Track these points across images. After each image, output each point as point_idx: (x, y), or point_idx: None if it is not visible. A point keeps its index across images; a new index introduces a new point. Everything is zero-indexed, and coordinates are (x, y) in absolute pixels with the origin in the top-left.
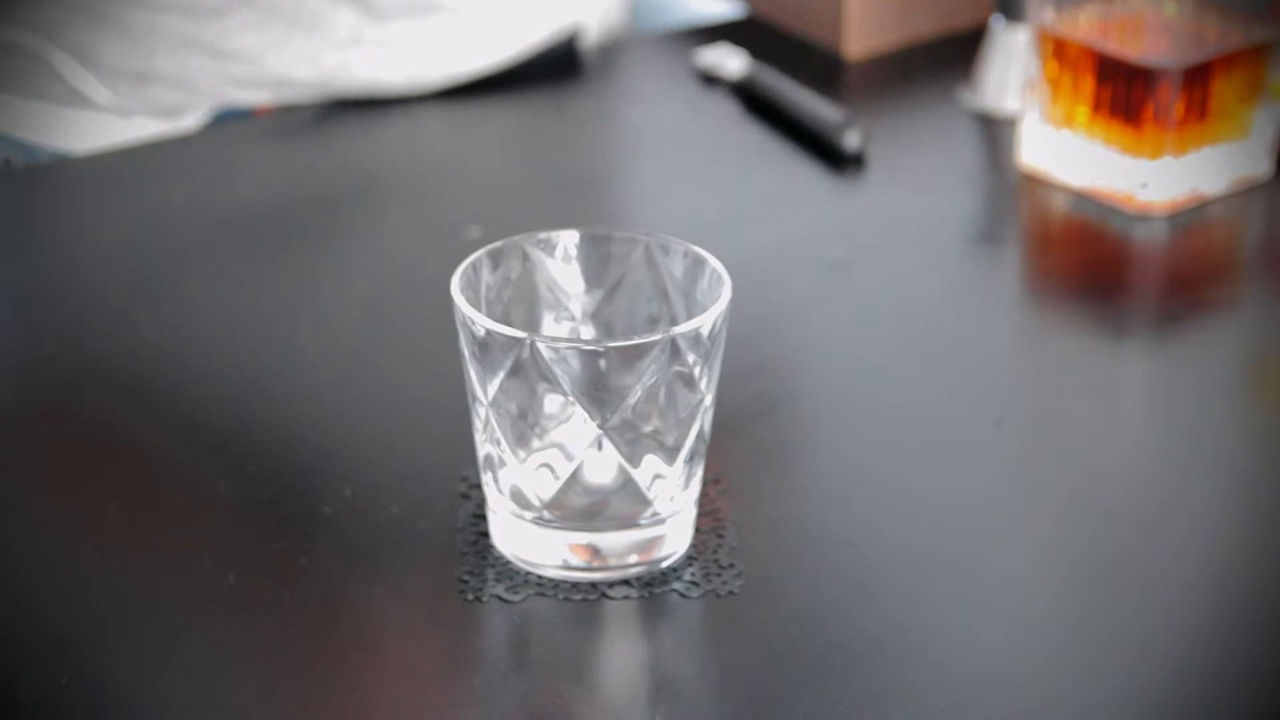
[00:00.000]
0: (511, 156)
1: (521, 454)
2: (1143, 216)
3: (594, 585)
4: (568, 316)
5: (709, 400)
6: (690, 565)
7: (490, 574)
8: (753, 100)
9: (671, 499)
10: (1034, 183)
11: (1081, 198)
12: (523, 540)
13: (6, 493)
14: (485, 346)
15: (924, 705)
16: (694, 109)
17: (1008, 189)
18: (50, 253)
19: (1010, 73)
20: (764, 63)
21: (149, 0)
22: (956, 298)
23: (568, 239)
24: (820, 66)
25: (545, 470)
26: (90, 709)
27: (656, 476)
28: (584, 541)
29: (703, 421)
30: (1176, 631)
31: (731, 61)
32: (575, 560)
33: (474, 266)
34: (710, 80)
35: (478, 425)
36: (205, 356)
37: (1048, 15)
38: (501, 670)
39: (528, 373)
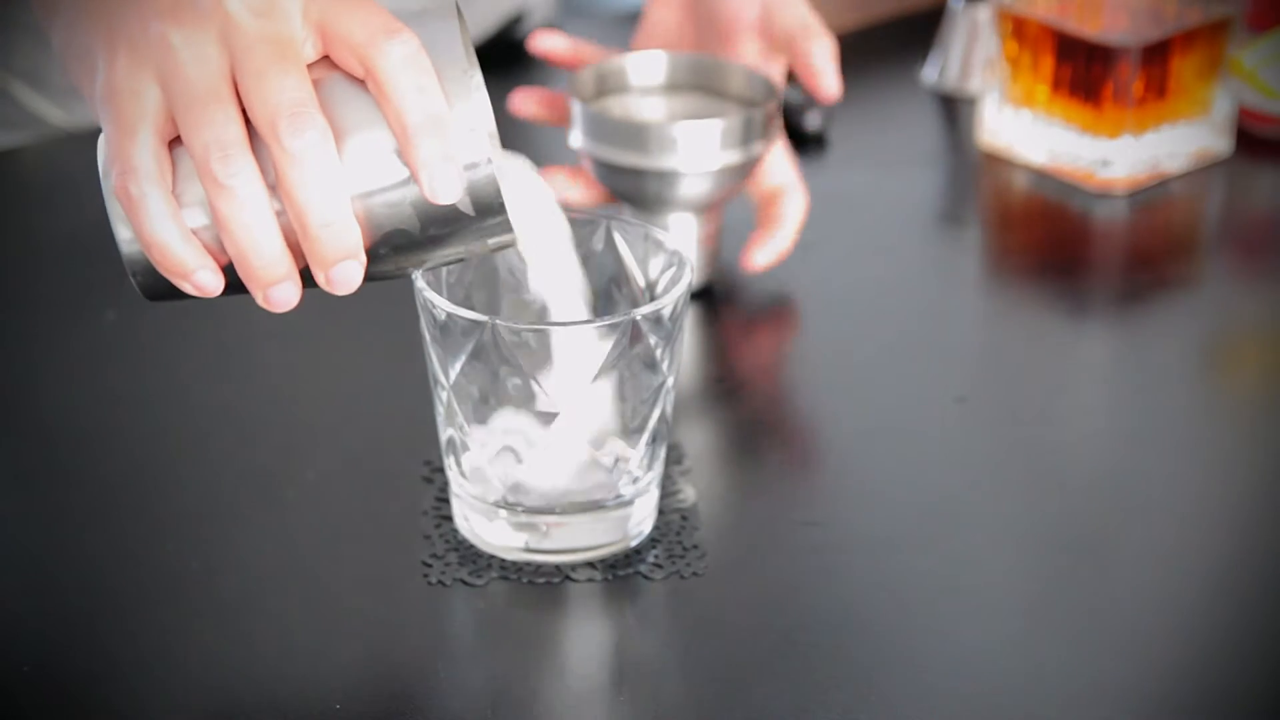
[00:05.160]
0: None
1: (483, 437)
2: (1103, 194)
3: (557, 568)
4: (529, 299)
5: (671, 382)
6: (654, 547)
7: (454, 557)
8: None
9: (635, 481)
10: (995, 162)
11: (1042, 176)
12: (486, 523)
13: None
14: (446, 330)
15: (887, 686)
16: None
17: (969, 168)
18: (10, 238)
19: (970, 52)
20: None
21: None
22: (918, 277)
23: None
24: None
25: (507, 453)
26: (53, 697)
27: (619, 459)
28: (547, 524)
29: (665, 403)
30: (1139, 607)
31: None
32: (538, 543)
33: None
34: None
35: (439, 409)
36: (166, 341)
37: None
38: (466, 654)
39: (489, 355)
